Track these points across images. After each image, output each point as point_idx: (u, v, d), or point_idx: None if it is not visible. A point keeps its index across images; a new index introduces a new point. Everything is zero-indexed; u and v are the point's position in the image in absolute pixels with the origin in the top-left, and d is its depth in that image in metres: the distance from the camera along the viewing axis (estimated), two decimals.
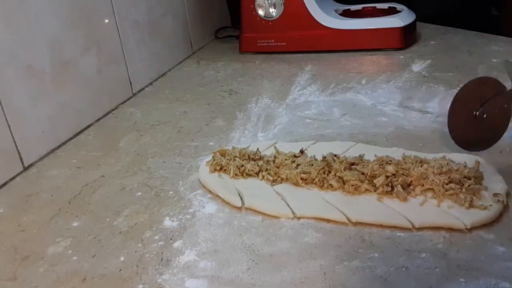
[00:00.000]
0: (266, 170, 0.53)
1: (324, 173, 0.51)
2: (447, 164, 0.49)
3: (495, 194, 0.46)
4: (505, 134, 0.54)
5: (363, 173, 0.49)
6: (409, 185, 0.48)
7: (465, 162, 0.50)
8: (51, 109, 0.65)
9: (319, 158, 0.53)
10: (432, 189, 0.47)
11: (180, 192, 0.54)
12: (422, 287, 0.38)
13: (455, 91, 0.57)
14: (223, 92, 0.83)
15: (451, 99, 0.56)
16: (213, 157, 0.56)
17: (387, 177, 0.48)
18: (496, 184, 0.47)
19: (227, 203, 0.51)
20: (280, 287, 0.39)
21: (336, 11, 1.02)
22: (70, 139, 0.69)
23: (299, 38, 0.98)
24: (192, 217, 0.49)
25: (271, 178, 0.52)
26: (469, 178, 0.47)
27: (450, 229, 0.43)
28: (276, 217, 0.48)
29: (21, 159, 0.60)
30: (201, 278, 0.41)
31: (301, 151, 0.55)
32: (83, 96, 0.72)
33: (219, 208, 0.50)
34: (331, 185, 0.50)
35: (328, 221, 0.46)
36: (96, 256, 0.45)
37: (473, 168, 0.49)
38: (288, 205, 0.48)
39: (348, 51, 0.95)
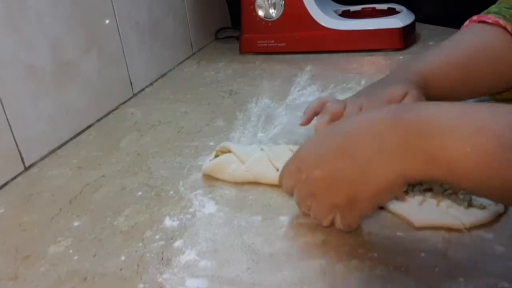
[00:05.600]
0: None
1: None
2: None
3: None
4: None
5: None
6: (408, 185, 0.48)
7: None
8: (52, 109, 0.66)
9: None
10: (431, 189, 0.47)
11: (181, 192, 0.54)
12: (421, 287, 0.38)
13: None
14: (223, 93, 0.83)
15: None
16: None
17: None
18: None
19: (227, 203, 0.51)
20: (280, 286, 0.39)
21: (335, 12, 1.02)
22: (71, 139, 0.69)
23: (299, 39, 0.98)
24: (193, 216, 0.49)
25: None
26: None
27: (449, 229, 0.43)
28: (276, 217, 0.48)
29: (22, 159, 0.61)
30: (201, 277, 0.41)
31: None
32: (83, 96, 0.72)
33: (219, 208, 0.50)
34: None
35: None
36: (97, 255, 0.45)
37: None
38: None
39: (347, 51, 0.96)
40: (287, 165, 0.45)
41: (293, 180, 0.43)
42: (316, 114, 0.55)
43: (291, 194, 0.45)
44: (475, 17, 0.60)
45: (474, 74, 0.57)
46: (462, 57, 0.57)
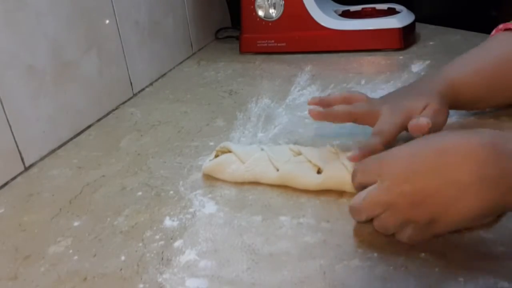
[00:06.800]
0: None
1: None
2: None
3: None
4: None
5: None
6: None
7: None
8: (52, 109, 0.66)
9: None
10: None
11: (181, 192, 0.54)
12: (421, 287, 0.38)
13: None
14: (223, 93, 0.83)
15: None
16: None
17: None
18: None
19: (227, 203, 0.51)
20: (280, 286, 0.39)
21: (335, 11, 1.02)
22: (71, 139, 0.69)
23: (298, 39, 0.98)
24: (193, 216, 0.49)
25: None
26: None
27: None
28: (276, 217, 0.48)
29: (22, 159, 0.61)
30: (202, 277, 0.41)
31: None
32: (83, 96, 0.72)
33: (219, 208, 0.50)
34: None
35: (328, 220, 0.46)
36: (97, 255, 0.45)
37: None
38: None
39: (347, 51, 0.96)
40: (366, 164, 0.43)
41: (368, 181, 0.41)
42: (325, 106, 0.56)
43: (359, 190, 0.42)
44: (501, 26, 0.60)
45: (503, 82, 0.57)
46: (490, 65, 0.58)
